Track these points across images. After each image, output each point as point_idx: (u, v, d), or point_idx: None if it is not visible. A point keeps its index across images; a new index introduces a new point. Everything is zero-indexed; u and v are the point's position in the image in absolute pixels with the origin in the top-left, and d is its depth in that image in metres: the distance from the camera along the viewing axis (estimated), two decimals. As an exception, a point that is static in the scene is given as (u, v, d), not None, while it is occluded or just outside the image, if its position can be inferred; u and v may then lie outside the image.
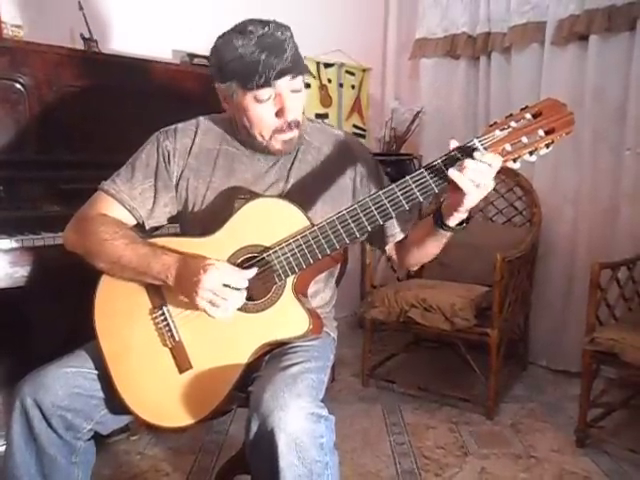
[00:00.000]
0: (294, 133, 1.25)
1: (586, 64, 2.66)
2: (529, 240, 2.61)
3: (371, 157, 1.40)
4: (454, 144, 1.06)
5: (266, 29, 1.16)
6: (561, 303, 2.83)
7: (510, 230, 2.86)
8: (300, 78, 1.22)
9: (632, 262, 2.31)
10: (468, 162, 1.02)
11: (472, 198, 1.07)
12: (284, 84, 1.18)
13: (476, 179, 1.03)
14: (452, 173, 1.04)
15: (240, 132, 1.31)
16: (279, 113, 1.21)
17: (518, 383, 2.73)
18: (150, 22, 2.40)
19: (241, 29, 1.17)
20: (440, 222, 1.17)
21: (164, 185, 1.32)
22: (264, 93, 1.18)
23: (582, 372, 2.09)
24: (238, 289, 1.13)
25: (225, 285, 1.11)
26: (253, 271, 1.16)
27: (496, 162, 1.03)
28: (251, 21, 1.19)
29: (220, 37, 1.22)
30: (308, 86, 2.97)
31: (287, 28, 1.20)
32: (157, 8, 2.44)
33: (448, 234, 1.21)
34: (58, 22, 2.07)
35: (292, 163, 1.32)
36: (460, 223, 1.18)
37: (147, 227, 1.33)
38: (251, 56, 1.14)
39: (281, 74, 1.16)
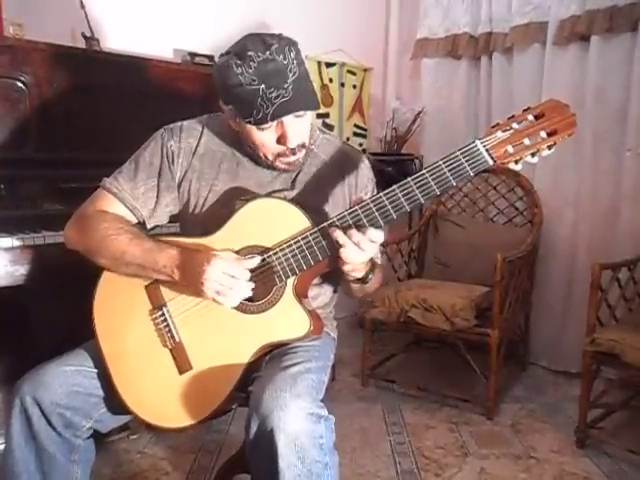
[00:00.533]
0: (298, 156, 1.24)
1: (587, 65, 2.66)
2: (530, 240, 2.61)
3: (372, 177, 1.39)
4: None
5: (267, 54, 1.10)
6: (561, 304, 2.83)
7: (511, 230, 2.86)
8: None
9: (633, 263, 2.31)
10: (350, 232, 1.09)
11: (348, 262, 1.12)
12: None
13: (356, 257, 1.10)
14: (337, 234, 1.09)
15: (245, 145, 1.30)
16: (281, 140, 1.19)
17: (518, 383, 2.73)
18: (151, 21, 2.40)
19: (240, 53, 1.11)
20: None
21: (167, 185, 1.31)
22: (263, 126, 1.16)
23: (582, 373, 2.09)
24: (240, 279, 1.13)
25: (230, 275, 1.12)
26: (256, 260, 1.16)
27: (375, 237, 1.10)
28: (252, 41, 1.13)
29: (221, 56, 1.17)
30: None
31: (292, 46, 1.14)
32: (158, 7, 2.44)
33: (355, 285, 1.26)
34: (59, 21, 2.07)
35: (297, 174, 1.31)
36: (359, 279, 1.21)
37: (148, 226, 1.33)
38: (250, 85, 1.10)
39: (278, 114, 1.12)
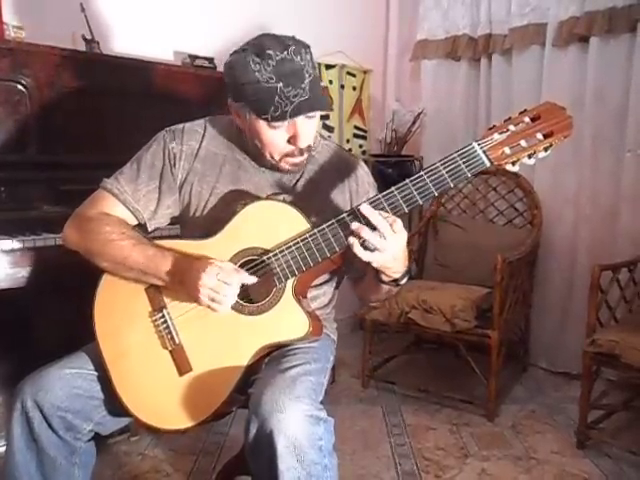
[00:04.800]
0: (304, 157, 1.25)
1: (586, 66, 2.67)
2: (530, 241, 2.62)
3: (373, 182, 1.39)
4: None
5: (285, 53, 1.11)
6: (561, 305, 2.84)
7: (511, 231, 2.86)
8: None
9: (633, 264, 2.32)
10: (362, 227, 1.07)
11: (376, 259, 1.11)
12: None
13: (371, 244, 1.07)
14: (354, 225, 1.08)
15: (249, 145, 1.29)
16: (292, 140, 1.19)
17: (518, 385, 2.73)
18: (151, 24, 2.40)
19: (259, 51, 1.11)
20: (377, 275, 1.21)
21: (168, 187, 1.31)
22: (278, 123, 1.16)
23: (582, 374, 2.10)
24: (234, 285, 1.13)
25: (224, 282, 1.12)
26: (252, 279, 1.16)
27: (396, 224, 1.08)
28: (270, 41, 1.13)
29: (236, 53, 1.16)
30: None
31: (307, 49, 1.16)
32: (158, 10, 2.44)
33: (385, 287, 1.24)
34: (60, 23, 2.07)
35: (298, 179, 1.31)
36: (395, 280, 1.21)
37: (149, 228, 1.33)
38: (267, 83, 1.11)
39: (297, 112, 1.13)
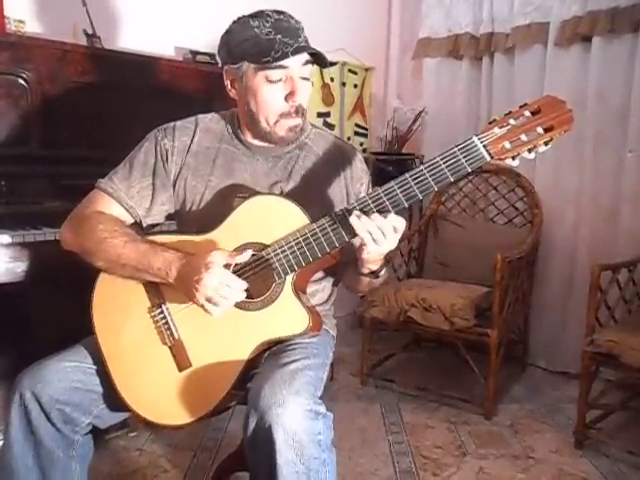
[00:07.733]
0: (298, 120, 1.25)
1: (589, 65, 2.67)
2: (530, 241, 2.62)
3: (366, 169, 1.40)
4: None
5: (282, 16, 1.20)
6: (561, 304, 2.83)
7: (511, 231, 2.86)
8: (310, 68, 1.23)
9: (632, 264, 2.31)
10: (373, 216, 1.08)
11: (370, 250, 1.12)
12: (297, 67, 1.20)
13: (374, 234, 1.08)
14: (353, 220, 1.08)
15: (243, 122, 1.31)
16: (288, 96, 1.21)
17: (517, 384, 2.73)
18: (153, 19, 2.40)
19: (257, 13, 1.20)
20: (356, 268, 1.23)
21: (162, 184, 1.31)
22: (276, 74, 1.19)
23: (581, 373, 2.10)
24: (236, 289, 1.12)
25: (225, 284, 1.11)
26: (248, 254, 1.15)
27: (399, 224, 1.10)
28: (266, 9, 1.21)
29: (235, 21, 1.23)
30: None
31: (301, 24, 1.24)
32: (160, 5, 2.44)
33: (364, 279, 1.26)
34: (61, 18, 2.07)
35: (292, 166, 1.32)
36: (373, 272, 1.22)
37: (144, 225, 1.33)
38: (267, 36, 1.17)
39: (298, 51, 1.17)
